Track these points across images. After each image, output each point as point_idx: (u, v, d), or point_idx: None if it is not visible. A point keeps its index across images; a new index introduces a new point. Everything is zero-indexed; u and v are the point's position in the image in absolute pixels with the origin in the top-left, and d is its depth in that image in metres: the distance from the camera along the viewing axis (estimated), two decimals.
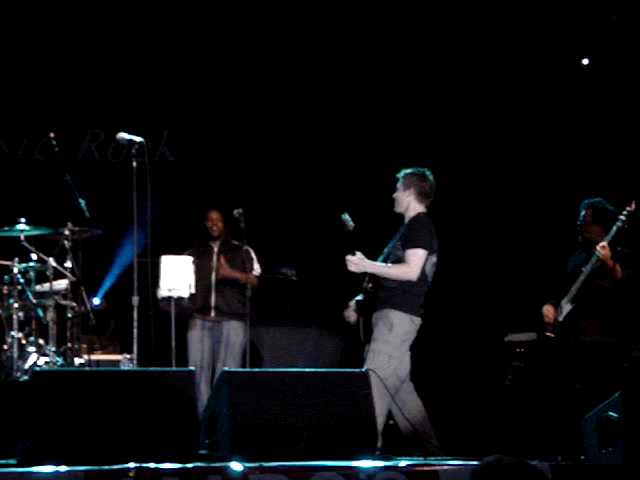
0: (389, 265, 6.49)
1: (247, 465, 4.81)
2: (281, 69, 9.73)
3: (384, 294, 6.47)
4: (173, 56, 9.69)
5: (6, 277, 7.60)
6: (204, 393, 7.63)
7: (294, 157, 9.76)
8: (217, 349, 8.16)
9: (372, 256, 6.62)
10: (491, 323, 8.80)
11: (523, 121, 9.55)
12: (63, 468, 4.65)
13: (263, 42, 9.63)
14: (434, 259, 6.54)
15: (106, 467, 4.66)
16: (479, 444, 6.98)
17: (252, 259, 8.24)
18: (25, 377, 7.18)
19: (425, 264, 6.46)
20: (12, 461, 5.14)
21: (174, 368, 7.08)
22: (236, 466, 4.79)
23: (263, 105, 9.77)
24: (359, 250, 6.50)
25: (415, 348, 6.63)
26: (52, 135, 7.72)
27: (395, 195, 6.69)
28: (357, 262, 6.46)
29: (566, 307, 7.17)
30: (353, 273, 6.51)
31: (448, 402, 8.62)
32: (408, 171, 6.68)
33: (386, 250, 6.66)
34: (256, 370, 6.36)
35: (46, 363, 7.41)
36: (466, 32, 9.49)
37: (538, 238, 9.16)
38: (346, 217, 6.49)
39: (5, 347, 7.34)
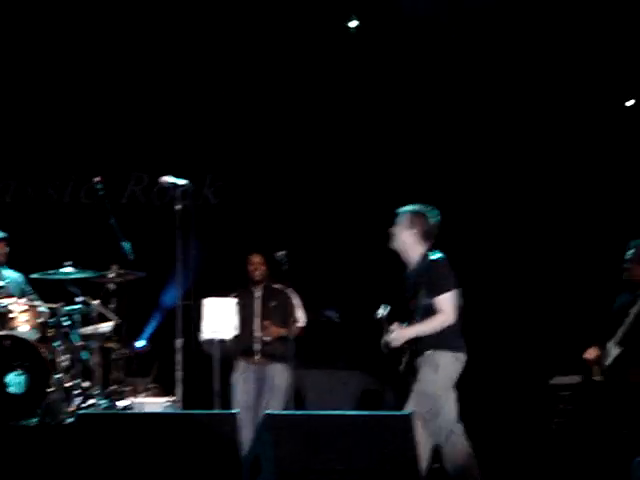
0: (425, 322, 6.38)
1: None
2: (321, 112, 9.79)
3: (426, 338, 6.40)
4: (217, 101, 9.77)
5: (51, 320, 7.68)
6: (248, 436, 7.60)
7: (337, 200, 9.78)
8: (261, 392, 8.15)
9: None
10: (537, 366, 8.72)
11: (570, 157, 9.52)
12: None
13: (303, 86, 9.72)
14: (459, 290, 6.50)
15: None
16: None
17: (295, 306, 8.22)
18: (70, 419, 7.21)
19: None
20: None
21: (217, 411, 7.07)
22: None
23: (306, 148, 9.82)
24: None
25: (461, 390, 6.57)
26: (97, 179, 7.80)
27: (394, 231, 6.54)
28: (397, 337, 6.41)
29: (613, 350, 7.09)
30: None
31: (494, 445, 8.53)
32: (413, 209, 6.55)
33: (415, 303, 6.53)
34: (299, 413, 6.33)
35: (91, 406, 7.45)
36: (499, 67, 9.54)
37: (585, 279, 9.09)
38: (380, 312, 6.50)
39: (50, 389, 7.38)
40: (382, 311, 6.55)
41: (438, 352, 6.35)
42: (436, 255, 6.50)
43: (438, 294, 6.36)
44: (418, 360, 6.41)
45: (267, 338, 8.13)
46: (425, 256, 6.48)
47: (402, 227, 6.53)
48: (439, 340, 6.36)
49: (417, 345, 6.39)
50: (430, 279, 6.41)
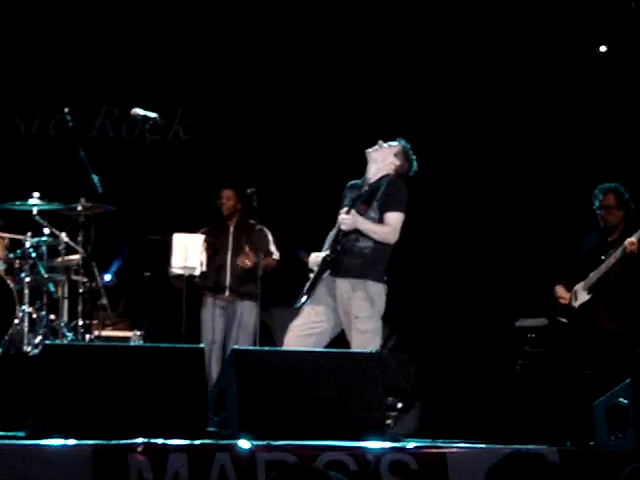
0: (376, 225, 6.31)
1: (255, 443, 4.80)
2: (297, 47, 9.70)
3: (356, 260, 6.30)
4: (187, 35, 9.66)
5: (18, 251, 7.63)
6: (215, 371, 7.63)
7: (309, 135, 9.72)
8: (229, 328, 8.17)
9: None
10: (502, 308, 8.78)
11: (535, 105, 9.49)
12: (71, 442, 4.66)
13: (278, 21, 9.61)
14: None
15: (114, 442, 4.66)
16: (488, 428, 6.98)
17: (269, 241, 8.24)
18: (35, 351, 7.20)
19: None
20: (21, 434, 5.14)
21: (184, 345, 7.07)
22: (244, 444, 4.79)
23: (278, 84, 9.74)
24: None
25: (427, 333, 6.60)
26: (67, 110, 7.70)
27: (383, 144, 6.47)
28: (351, 220, 6.31)
29: (582, 294, 7.14)
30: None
31: (459, 386, 8.61)
32: (409, 148, 6.52)
33: (346, 203, 6.47)
34: (265, 349, 6.35)
35: (57, 338, 7.43)
36: (471, 18, 9.46)
37: (548, 221, 9.12)
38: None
39: (16, 321, 7.35)
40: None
41: (371, 283, 6.27)
42: None
43: (390, 210, 6.33)
44: (344, 284, 6.27)
45: (247, 263, 8.07)
46: (398, 178, 6.45)
47: (391, 151, 6.50)
48: (372, 270, 6.29)
49: (350, 269, 6.28)
50: (386, 195, 6.36)
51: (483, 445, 5.15)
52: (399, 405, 6.69)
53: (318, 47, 9.67)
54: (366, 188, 6.45)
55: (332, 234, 6.46)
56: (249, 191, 7.76)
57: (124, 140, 9.63)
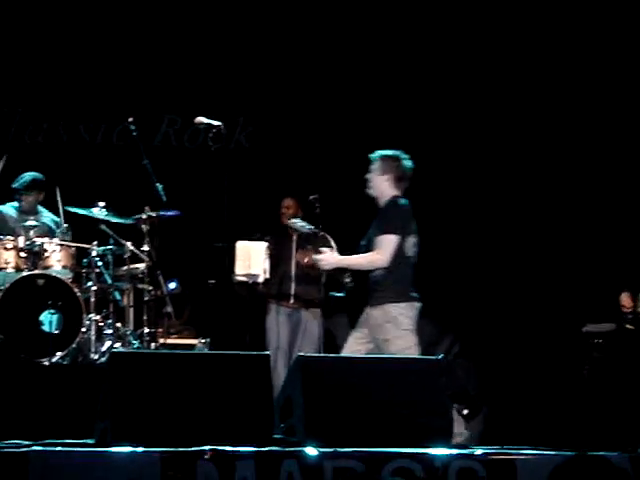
0: (359, 256, 6.36)
1: (322, 450, 4.80)
2: (357, 55, 9.71)
3: (371, 288, 6.31)
4: (249, 44, 9.71)
5: (84, 260, 7.71)
6: (281, 378, 7.63)
7: (371, 142, 9.69)
8: (294, 335, 8.15)
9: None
10: (569, 313, 8.69)
11: (604, 105, 9.40)
12: (140, 449, 4.69)
13: (339, 31, 9.64)
14: (413, 240, 6.35)
15: (182, 449, 4.68)
16: (557, 435, 6.90)
17: (332, 247, 8.21)
18: (102, 359, 7.27)
19: (404, 246, 6.29)
20: (90, 441, 5.19)
21: (249, 352, 7.08)
22: (311, 451, 4.79)
23: (339, 92, 9.75)
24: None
25: (493, 339, 6.54)
26: (130, 120, 7.79)
27: (369, 177, 6.46)
28: (327, 259, 6.37)
29: None
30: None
31: (525, 392, 8.52)
32: (385, 154, 6.45)
33: (364, 241, 6.47)
34: (331, 355, 6.34)
35: (123, 346, 7.50)
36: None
37: (614, 227, 9.02)
38: (296, 223, 6.44)
39: (82, 330, 7.42)
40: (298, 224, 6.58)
41: (392, 305, 6.25)
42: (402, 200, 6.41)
43: (380, 234, 6.27)
44: (371, 314, 6.30)
45: (305, 260, 8.04)
46: (395, 198, 6.40)
47: (375, 172, 6.45)
48: (390, 292, 6.25)
49: (371, 298, 6.30)
50: (380, 218, 6.34)
51: (552, 452, 5.09)
52: (465, 411, 6.64)
53: (379, 54, 9.67)
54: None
55: None
56: (311, 198, 7.75)
57: (187, 148, 9.70)
